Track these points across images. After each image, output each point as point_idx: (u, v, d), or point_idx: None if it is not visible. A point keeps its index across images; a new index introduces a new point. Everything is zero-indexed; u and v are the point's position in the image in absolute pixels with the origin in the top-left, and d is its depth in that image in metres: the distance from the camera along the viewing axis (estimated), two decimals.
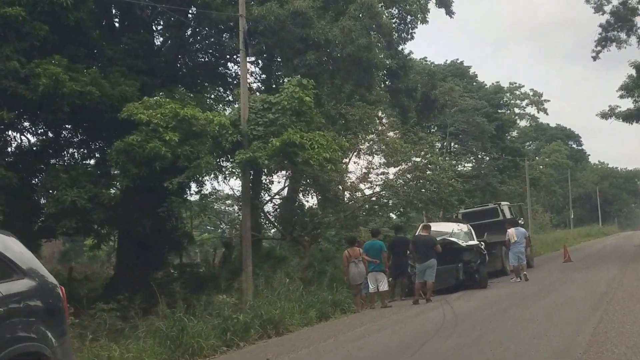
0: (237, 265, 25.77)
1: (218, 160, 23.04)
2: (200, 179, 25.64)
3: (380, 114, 29.39)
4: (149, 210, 25.61)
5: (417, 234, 21.93)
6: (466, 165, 66.10)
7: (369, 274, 20.02)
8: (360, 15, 27.32)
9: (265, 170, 23.84)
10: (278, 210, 27.60)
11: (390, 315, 17.93)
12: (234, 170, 22.51)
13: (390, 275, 21.98)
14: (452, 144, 64.59)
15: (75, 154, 28.13)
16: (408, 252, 21.57)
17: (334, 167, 23.65)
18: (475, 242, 23.21)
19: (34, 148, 27.37)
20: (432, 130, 54.85)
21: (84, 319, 16.38)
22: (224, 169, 22.85)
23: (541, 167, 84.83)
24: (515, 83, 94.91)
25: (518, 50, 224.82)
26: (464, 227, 24.45)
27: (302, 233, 26.18)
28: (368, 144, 27.22)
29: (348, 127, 28.20)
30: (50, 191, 24.90)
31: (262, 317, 16.44)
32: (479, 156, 64.81)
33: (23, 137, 27.31)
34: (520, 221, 32.21)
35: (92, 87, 24.32)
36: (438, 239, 22.73)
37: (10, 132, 26.21)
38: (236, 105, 24.61)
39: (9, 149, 27.02)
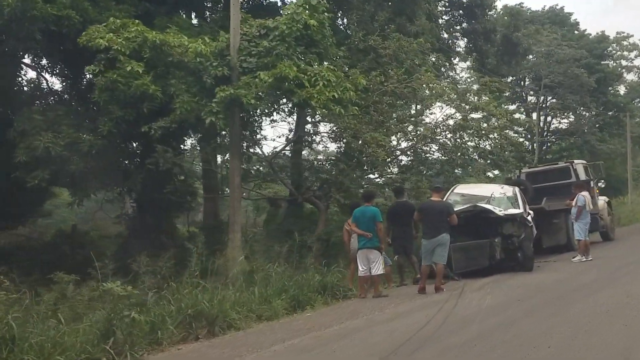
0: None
1: (204, 100, 18.15)
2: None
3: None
4: (141, 162, 21.12)
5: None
6: (562, 121, 60.22)
7: (358, 251, 15.08)
8: None
9: (252, 112, 18.70)
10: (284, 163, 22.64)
11: (371, 311, 13.07)
12: (214, 111, 17.62)
13: (394, 252, 16.97)
14: (548, 98, 58.32)
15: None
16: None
17: (343, 110, 18.47)
18: (518, 210, 17.79)
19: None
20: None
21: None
22: (203, 113, 17.94)
23: None
24: (623, 32, 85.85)
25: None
26: (509, 191, 19.03)
27: (314, 193, 21.25)
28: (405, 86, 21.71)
29: (379, 63, 22.88)
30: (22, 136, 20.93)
31: (186, 311, 11.76)
32: (578, 112, 58.29)
33: None
34: (600, 184, 26.34)
35: (72, 11, 20.09)
36: (466, 205, 17.51)
37: None
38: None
39: None
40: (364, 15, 24.28)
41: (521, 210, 17.79)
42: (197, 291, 12.60)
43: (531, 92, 60.09)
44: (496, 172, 27.39)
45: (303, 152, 23.07)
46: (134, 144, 22.25)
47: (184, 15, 24.56)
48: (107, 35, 18.00)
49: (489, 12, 43.24)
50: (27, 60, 23.68)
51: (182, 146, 23.06)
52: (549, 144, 62.01)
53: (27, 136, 20.24)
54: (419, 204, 16.31)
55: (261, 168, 22.95)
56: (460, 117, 21.34)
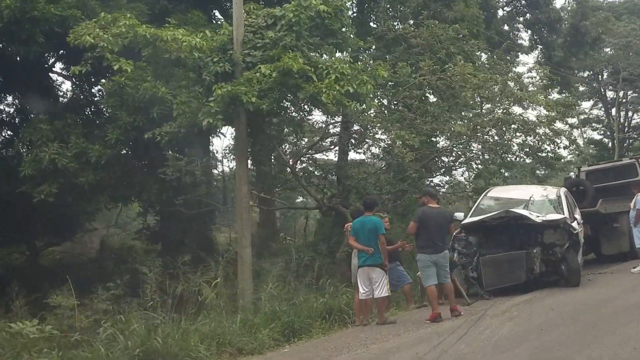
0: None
1: (204, 100, 16.23)
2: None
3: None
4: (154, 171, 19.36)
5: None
6: None
7: (358, 270, 12.84)
8: None
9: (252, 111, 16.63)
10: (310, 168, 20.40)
11: (362, 344, 10.79)
12: (212, 112, 15.67)
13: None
14: (628, 93, 54.53)
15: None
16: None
17: (358, 105, 16.31)
18: (560, 215, 15.21)
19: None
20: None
21: None
22: (200, 113, 16.02)
23: None
24: None
25: None
26: (552, 193, 16.43)
27: (341, 201, 19.08)
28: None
29: (410, 54, 20.54)
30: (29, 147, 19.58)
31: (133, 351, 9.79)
32: None
33: None
34: None
35: (77, 11, 18.67)
36: (497, 211, 15.07)
37: None
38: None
39: None
40: (394, 2, 21.93)
41: (564, 215, 15.20)
42: (156, 323, 10.57)
43: (610, 87, 56.25)
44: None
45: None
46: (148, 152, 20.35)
47: (203, 12, 22.69)
48: (94, 31, 16.19)
49: (554, 1, 40.30)
50: None
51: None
52: (630, 141, 57.98)
53: (34, 148, 18.86)
54: (417, 212, 13.88)
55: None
56: (501, 111, 18.73)
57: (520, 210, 14.92)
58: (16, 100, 24.20)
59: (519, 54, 40.23)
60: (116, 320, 10.55)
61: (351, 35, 18.61)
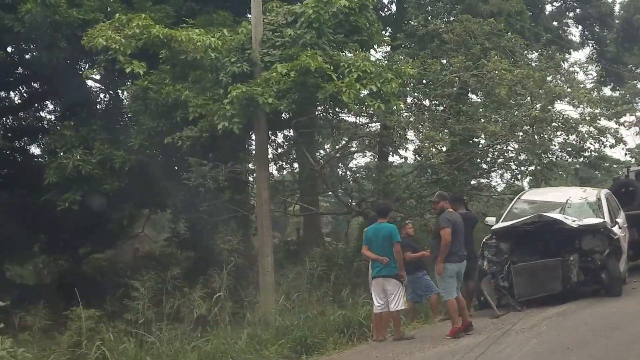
0: None
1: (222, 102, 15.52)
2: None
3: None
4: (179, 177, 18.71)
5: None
6: None
7: (372, 281, 11.91)
8: None
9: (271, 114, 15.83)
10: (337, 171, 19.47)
11: None
12: (228, 115, 14.97)
13: None
14: None
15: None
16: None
17: (382, 105, 15.37)
18: (599, 219, 14.03)
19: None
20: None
21: None
22: (216, 116, 15.31)
23: None
24: None
25: None
26: (591, 195, 15.23)
27: (366, 202, 18.18)
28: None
29: (443, 51, 19.52)
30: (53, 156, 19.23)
31: None
32: None
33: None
34: None
35: (100, 14, 18.29)
36: (529, 216, 14.01)
37: None
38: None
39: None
40: None
41: (604, 219, 14.03)
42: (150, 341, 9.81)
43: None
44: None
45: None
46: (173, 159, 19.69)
47: (231, 12, 21.98)
48: (107, 33, 15.60)
49: None
50: None
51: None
52: None
53: (58, 154, 18.47)
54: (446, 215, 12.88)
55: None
56: (539, 107, 17.55)
57: (554, 215, 13.79)
58: (57, 108, 23.97)
59: (571, 50, 38.73)
60: (105, 339, 9.78)
61: (382, 32, 17.67)
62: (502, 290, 13.72)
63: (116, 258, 26.52)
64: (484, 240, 14.13)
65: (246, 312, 13.97)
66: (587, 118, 18.28)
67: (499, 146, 18.15)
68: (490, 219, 14.94)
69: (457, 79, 17.78)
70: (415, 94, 18.10)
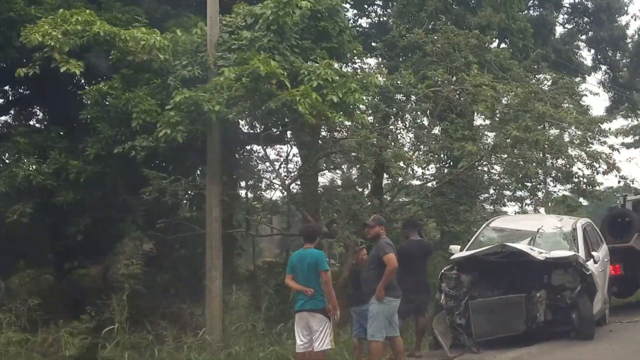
0: None
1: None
2: None
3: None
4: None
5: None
6: None
7: (296, 315, 10.41)
8: None
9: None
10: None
11: None
12: (172, 122, 13.69)
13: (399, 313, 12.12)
14: None
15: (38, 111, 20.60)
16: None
17: (344, 117, 14.02)
18: (570, 252, 12.51)
19: None
20: None
21: None
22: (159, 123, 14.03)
23: None
24: None
25: None
26: (568, 225, 13.71)
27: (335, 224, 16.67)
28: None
29: (422, 63, 18.11)
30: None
31: None
32: None
33: None
34: None
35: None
36: (492, 246, 12.54)
37: None
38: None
39: None
40: (409, 4, 19.53)
41: (576, 252, 12.53)
42: None
43: None
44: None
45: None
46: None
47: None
48: (43, 28, 14.33)
49: (619, 18, 37.49)
50: None
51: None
52: None
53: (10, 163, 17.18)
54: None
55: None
56: (516, 129, 16.05)
57: (519, 245, 12.30)
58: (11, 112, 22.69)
59: (584, 75, 37.35)
60: None
61: (349, 41, 16.31)
62: (458, 329, 12.22)
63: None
64: (442, 271, 12.67)
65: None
66: (575, 141, 16.74)
67: (479, 168, 16.61)
68: (455, 247, 13.46)
69: (434, 94, 16.27)
70: (389, 109, 16.59)
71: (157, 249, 19.81)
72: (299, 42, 15.20)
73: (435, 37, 18.05)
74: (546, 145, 16.73)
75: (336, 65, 15.13)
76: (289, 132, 17.28)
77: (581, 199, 20.91)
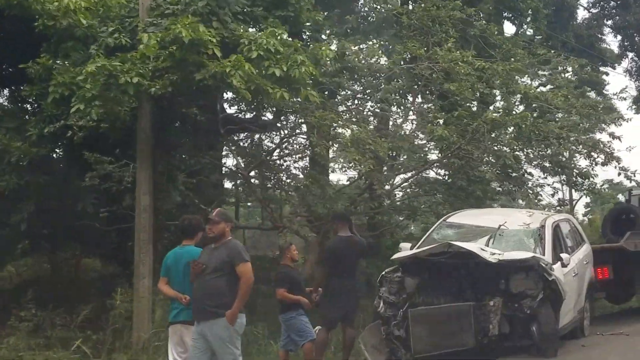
0: None
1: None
2: None
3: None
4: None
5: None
6: None
7: (169, 327, 8.52)
8: None
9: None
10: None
11: None
12: (87, 96, 12.01)
13: (322, 321, 10.27)
14: None
15: None
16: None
17: (287, 94, 12.19)
18: (530, 254, 10.52)
19: None
20: None
21: None
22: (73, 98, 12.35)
23: None
24: None
25: None
26: (536, 222, 11.66)
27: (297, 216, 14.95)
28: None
29: (399, 37, 16.19)
30: None
31: None
32: None
33: None
34: None
35: None
36: (437, 245, 10.62)
37: None
38: None
39: None
40: None
41: (542, 253, 10.58)
42: None
43: None
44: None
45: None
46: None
47: None
48: None
49: None
50: None
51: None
52: None
53: None
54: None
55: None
56: (499, 109, 14.11)
57: (467, 245, 10.31)
58: None
59: (607, 62, 35.23)
60: None
61: (308, 9, 14.50)
62: (395, 342, 10.34)
63: None
64: (383, 273, 10.77)
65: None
66: (564, 126, 14.74)
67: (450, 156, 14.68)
68: (405, 245, 11.56)
69: (397, 70, 14.36)
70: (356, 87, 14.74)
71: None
72: (249, 9, 13.42)
73: (412, 9, 16.03)
74: (534, 132, 14.69)
75: (285, 36, 13.24)
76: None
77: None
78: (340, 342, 10.51)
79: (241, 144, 16.14)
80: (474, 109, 15.25)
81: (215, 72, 11.83)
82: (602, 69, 33.87)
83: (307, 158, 15.63)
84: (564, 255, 11.01)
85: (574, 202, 33.67)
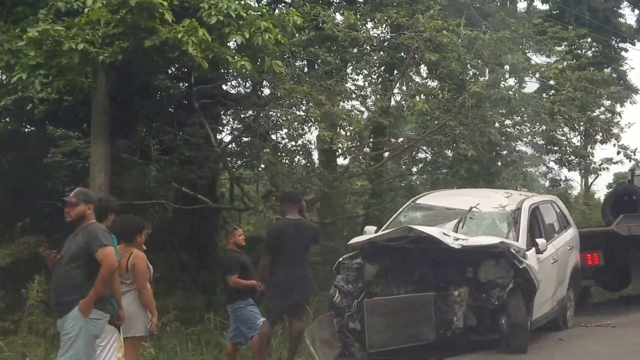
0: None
1: None
2: None
3: None
4: None
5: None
6: None
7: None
8: None
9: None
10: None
11: None
12: (29, 64, 11.17)
13: (265, 311, 9.31)
14: None
15: None
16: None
17: (248, 64, 11.24)
18: (499, 239, 9.53)
19: None
20: None
21: None
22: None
23: None
24: None
25: None
26: (512, 204, 10.63)
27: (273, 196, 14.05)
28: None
29: (383, 4, 15.08)
30: None
31: None
32: None
33: None
34: None
35: None
36: (396, 229, 9.67)
37: None
38: None
39: None
40: None
41: (515, 238, 9.60)
42: None
43: None
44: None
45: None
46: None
47: None
48: None
49: None
50: None
51: None
52: None
53: None
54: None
55: None
56: (478, 85, 13.04)
57: (429, 229, 9.31)
58: None
59: (628, 39, 33.79)
60: None
61: None
62: (349, 336, 9.41)
63: None
64: (340, 259, 9.81)
65: None
66: (555, 103, 13.69)
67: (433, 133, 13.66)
68: (370, 229, 10.59)
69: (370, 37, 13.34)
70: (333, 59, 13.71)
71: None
72: None
73: None
74: (522, 107, 13.65)
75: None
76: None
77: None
78: (289, 335, 9.53)
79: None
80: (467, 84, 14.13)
81: (166, 38, 10.85)
82: (621, 45, 32.55)
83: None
84: (539, 241, 9.99)
85: (589, 182, 32.46)
